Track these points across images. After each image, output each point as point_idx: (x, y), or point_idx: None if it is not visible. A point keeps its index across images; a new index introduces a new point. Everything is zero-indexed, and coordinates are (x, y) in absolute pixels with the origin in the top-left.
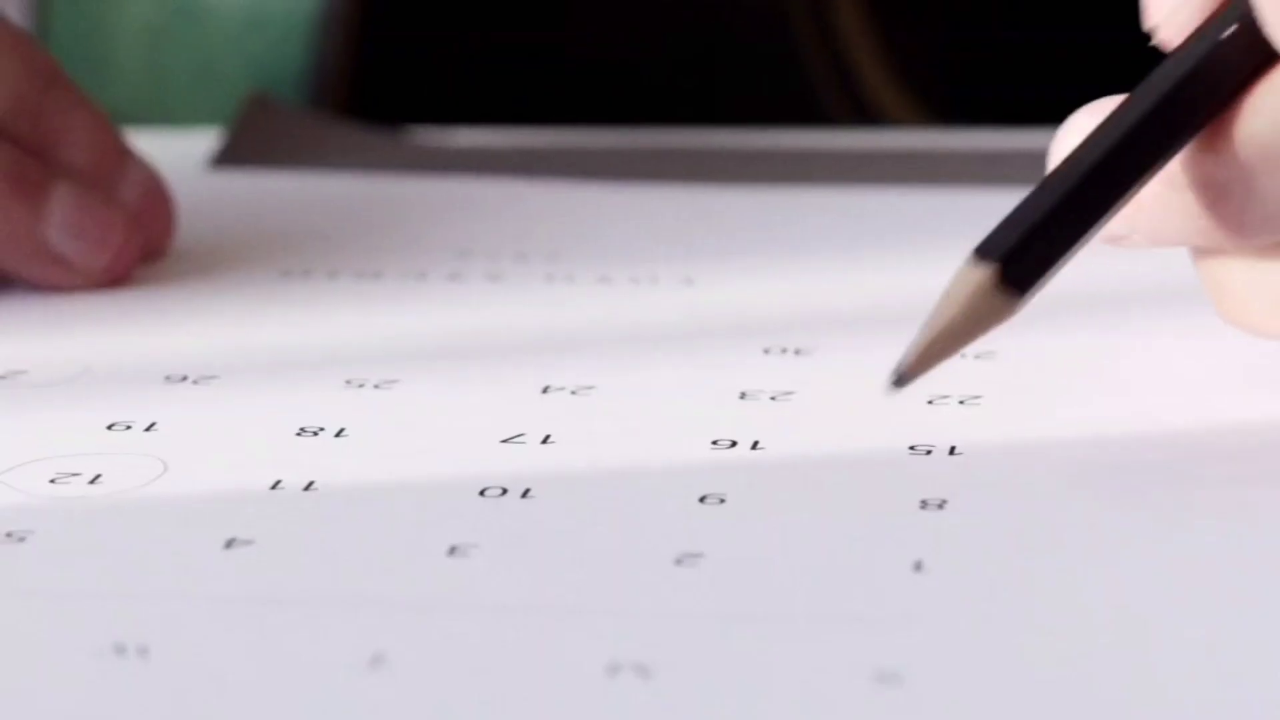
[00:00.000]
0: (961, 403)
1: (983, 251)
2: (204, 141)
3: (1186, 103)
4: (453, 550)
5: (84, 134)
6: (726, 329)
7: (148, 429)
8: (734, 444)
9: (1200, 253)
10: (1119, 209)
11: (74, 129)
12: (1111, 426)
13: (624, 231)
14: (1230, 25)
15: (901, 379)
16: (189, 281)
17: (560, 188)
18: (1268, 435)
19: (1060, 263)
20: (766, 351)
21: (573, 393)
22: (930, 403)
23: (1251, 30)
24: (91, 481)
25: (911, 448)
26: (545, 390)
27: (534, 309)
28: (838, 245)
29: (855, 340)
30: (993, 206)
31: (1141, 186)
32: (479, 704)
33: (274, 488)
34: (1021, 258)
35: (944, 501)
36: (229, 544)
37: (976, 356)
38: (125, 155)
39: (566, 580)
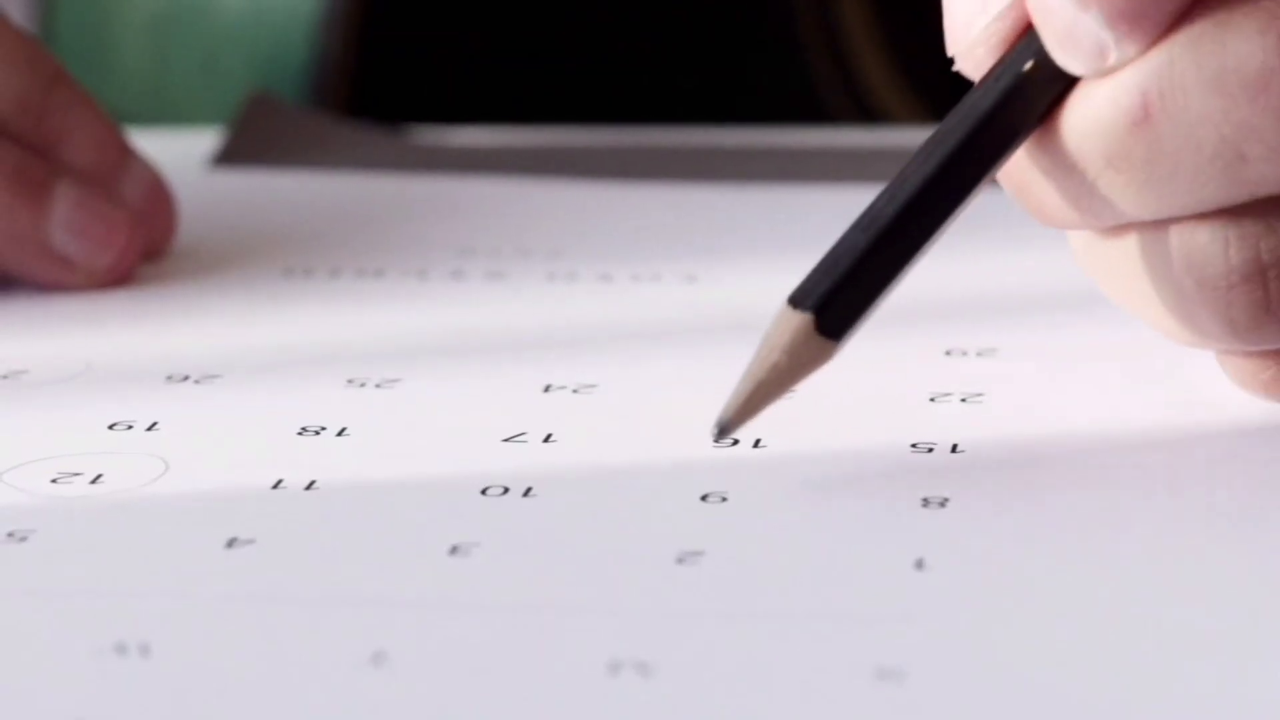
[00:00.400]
0: (964, 400)
1: (796, 300)
2: (205, 141)
3: (993, 135)
4: (454, 549)
5: (86, 133)
6: (729, 327)
7: (149, 428)
8: (735, 442)
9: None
10: (929, 248)
11: (76, 128)
12: (1114, 424)
13: (626, 229)
14: (1027, 59)
15: (724, 429)
16: (191, 281)
17: (562, 186)
18: (1274, 435)
19: (874, 305)
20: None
21: (574, 391)
22: (932, 400)
23: (1048, 62)
24: (93, 481)
25: (913, 445)
26: (547, 389)
27: (536, 307)
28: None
29: (855, 337)
30: (993, 204)
31: (949, 224)
32: (480, 703)
33: (275, 487)
34: (835, 305)
35: (945, 500)
36: (230, 543)
37: (979, 354)
38: (127, 154)
39: (568, 579)
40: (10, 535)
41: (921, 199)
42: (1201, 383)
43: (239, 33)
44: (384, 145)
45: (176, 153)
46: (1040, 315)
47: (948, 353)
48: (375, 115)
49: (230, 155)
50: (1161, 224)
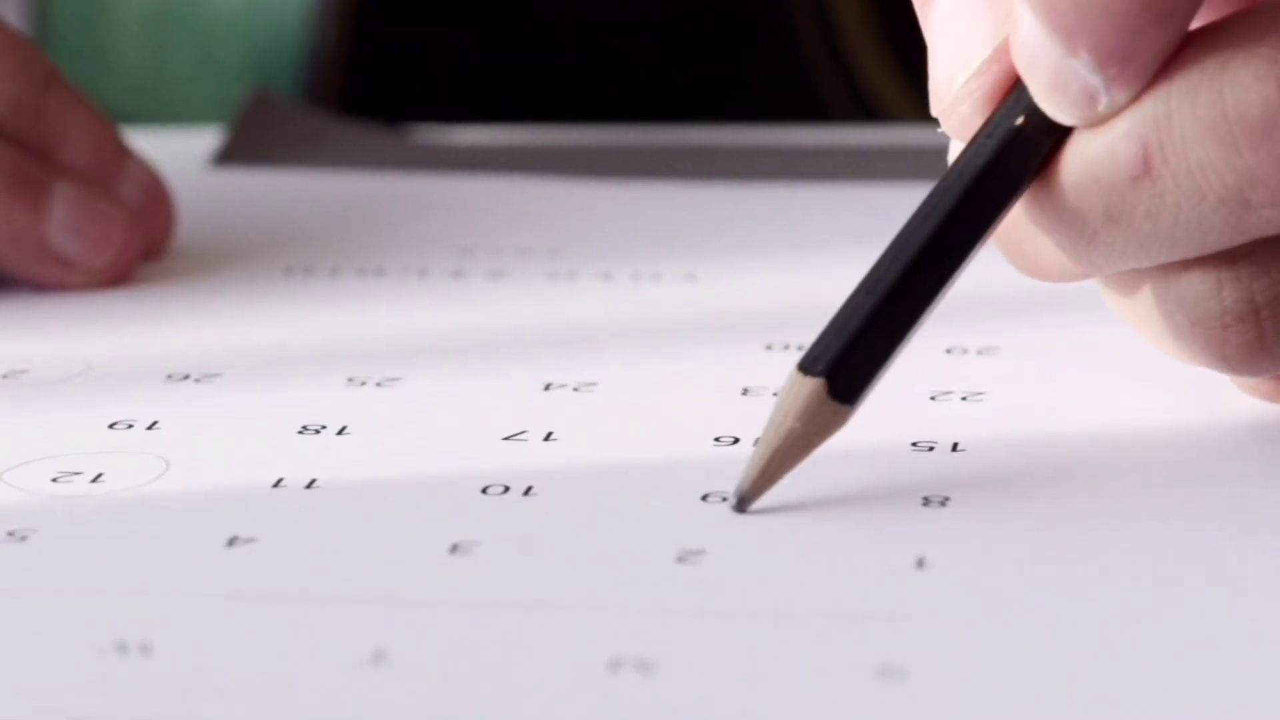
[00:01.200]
0: (964, 399)
1: (807, 366)
2: (206, 140)
3: (989, 193)
4: (455, 548)
5: (83, 134)
6: (729, 325)
7: (149, 427)
8: (736, 441)
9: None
10: (937, 305)
11: (73, 129)
12: (1115, 423)
13: (626, 228)
14: (1018, 114)
15: (743, 501)
16: (191, 280)
17: (562, 185)
18: (1275, 434)
19: (884, 367)
20: (769, 348)
21: (575, 390)
22: (933, 399)
23: (1039, 115)
24: (93, 480)
25: (914, 444)
26: (547, 387)
27: (536, 306)
28: (840, 241)
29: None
30: None
31: (953, 283)
32: (480, 701)
33: (276, 486)
34: (845, 369)
35: (946, 499)
36: (231, 542)
37: (979, 352)
38: (125, 154)
39: (568, 577)
40: (10, 534)
41: (924, 259)
42: (1203, 382)
43: (234, 27)
44: (384, 144)
45: (176, 152)
46: (1041, 314)
47: (948, 351)
48: (370, 109)
49: (230, 154)
50: (1156, 270)
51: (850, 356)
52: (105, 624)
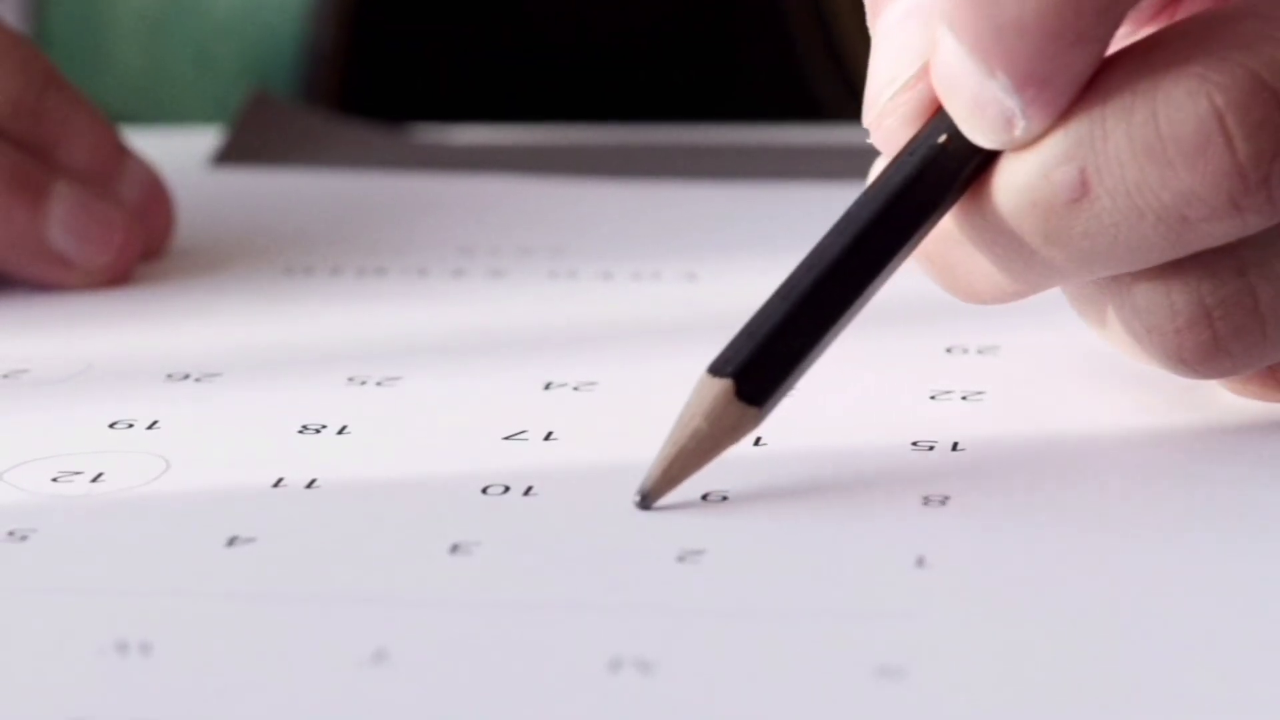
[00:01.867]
0: (964, 398)
1: (716, 368)
2: (206, 140)
3: (908, 209)
4: (455, 548)
5: (82, 135)
6: (729, 325)
7: (150, 427)
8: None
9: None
10: (851, 317)
11: (72, 129)
12: (1115, 422)
13: (626, 227)
14: (941, 132)
15: (646, 499)
16: (191, 279)
17: (562, 184)
18: (1275, 434)
19: (796, 373)
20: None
21: (575, 389)
22: (933, 398)
23: (962, 135)
24: (93, 480)
25: (914, 444)
26: (547, 387)
27: (536, 305)
28: None
29: (856, 335)
30: None
31: (871, 294)
32: (481, 701)
33: (276, 485)
34: (754, 371)
35: (946, 498)
36: (231, 542)
37: (979, 351)
38: (124, 154)
39: (568, 577)
40: (11, 534)
41: (837, 270)
42: (1201, 381)
43: (231, 27)
44: (384, 144)
45: (176, 152)
46: (1041, 313)
47: (948, 350)
48: (367, 108)
49: (230, 154)
50: (1103, 282)
51: (759, 359)
52: (105, 624)
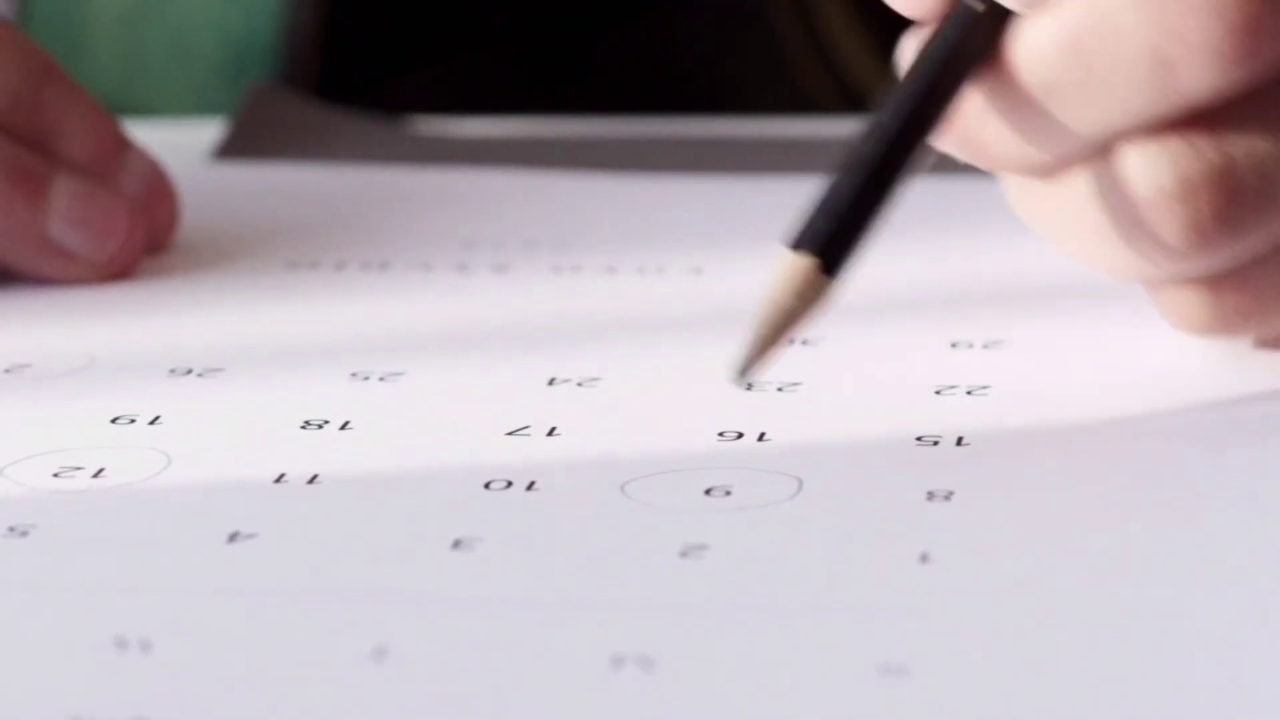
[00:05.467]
0: (969, 393)
1: (799, 244)
2: (207, 133)
3: (951, 75)
4: (457, 543)
5: (83, 126)
6: (734, 319)
7: (152, 422)
8: (740, 435)
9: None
10: (907, 184)
11: (72, 122)
12: (1121, 417)
13: (631, 221)
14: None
15: (742, 373)
16: (193, 274)
17: (566, 178)
18: None
19: (865, 241)
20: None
21: (579, 384)
22: (938, 393)
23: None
24: (95, 475)
25: (919, 438)
26: (551, 382)
27: (541, 300)
28: None
29: (861, 330)
30: (994, 194)
31: (919, 160)
32: (482, 697)
33: (278, 481)
34: (835, 245)
35: (951, 493)
36: (232, 537)
37: (985, 346)
38: (126, 146)
39: (571, 573)
40: (11, 530)
41: (897, 140)
42: (1207, 375)
43: (209, 18)
44: (387, 137)
45: (179, 145)
46: (1047, 307)
47: (954, 345)
48: (345, 98)
49: (232, 148)
50: (1095, 158)
51: (839, 233)
52: (105, 620)
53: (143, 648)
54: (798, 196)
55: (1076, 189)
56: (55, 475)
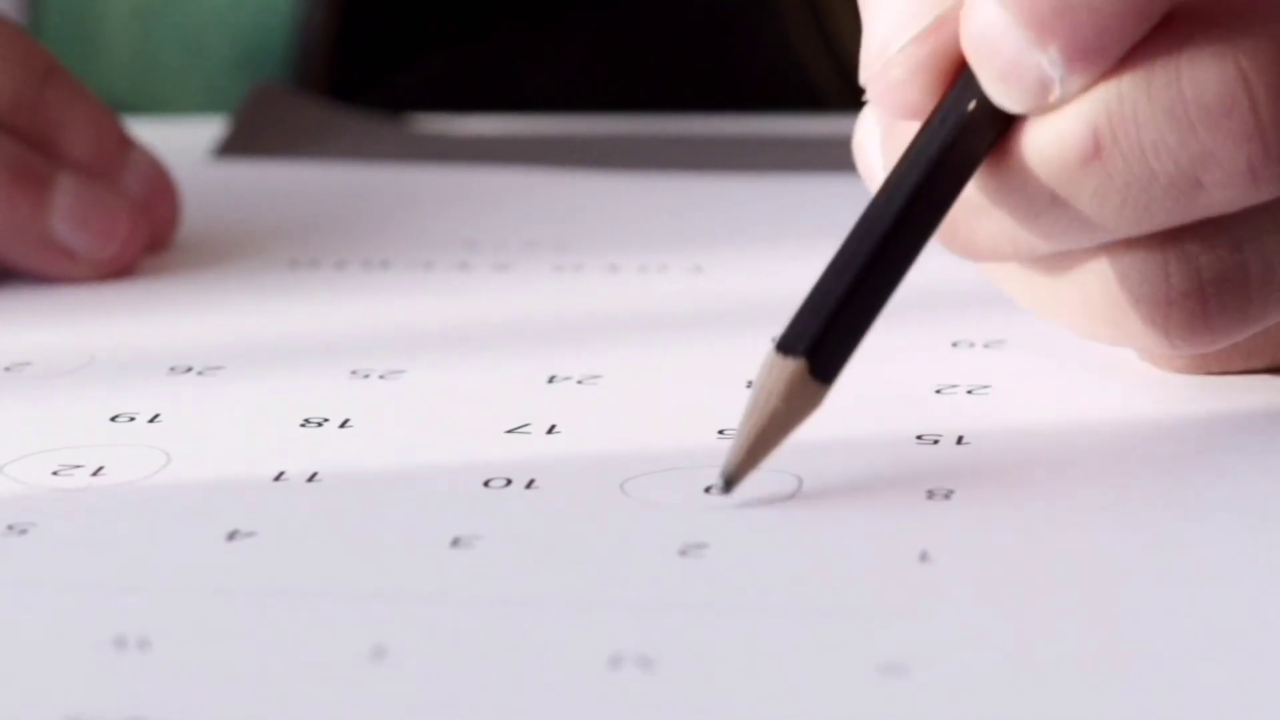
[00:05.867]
0: (970, 392)
1: (786, 347)
2: (208, 131)
3: (946, 175)
4: (456, 541)
5: (85, 125)
6: (735, 318)
7: (151, 420)
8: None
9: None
10: (899, 287)
11: (74, 121)
12: (1121, 416)
13: (632, 220)
14: (970, 99)
15: (730, 482)
16: (194, 272)
17: (568, 177)
18: None
19: (858, 345)
20: (774, 340)
21: (579, 382)
22: (939, 392)
23: (986, 100)
24: (94, 473)
25: (919, 437)
26: (551, 380)
27: (542, 298)
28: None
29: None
30: None
31: (918, 255)
32: (481, 697)
33: (277, 479)
34: (824, 348)
35: (950, 492)
36: (231, 536)
37: (985, 345)
38: (127, 145)
39: (570, 572)
40: (10, 528)
41: (889, 240)
42: (1208, 377)
43: (222, 16)
44: (388, 135)
45: (178, 143)
46: None
47: (954, 344)
48: (358, 96)
49: (232, 145)
50: (1099, 251)
51: (828, 336)
52: (104, 619)
53: (141, 647)
54: (799, 194)
55: (1076, 279)
56: (54, 473)
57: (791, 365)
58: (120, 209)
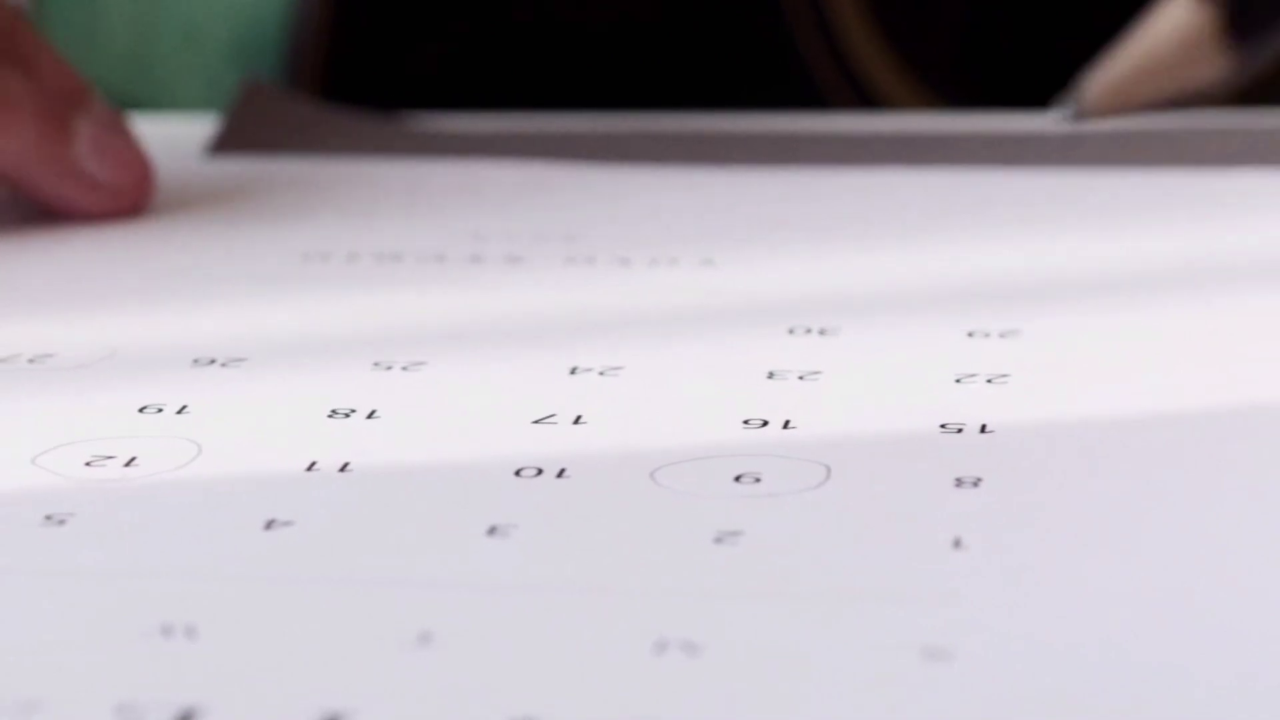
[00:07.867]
0: (989, 381)
1: None
2: (202, 128)
3: None
4: (492, 530)
5: (54, 71)
6: (749, 310)
7: (179, 411)
8: (765, 424)
9: None
10: None
11: (44, 65)
12: (1141, 405)
13: (642, 213)
14: None
15: (1084, 111)
16: (205, 265)
17: (572, 170)
18: None
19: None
20: (791, 332)
21: (601, 374)
22: (958, 381)
23: None
24: (127, 464)
25: (942, 426)
26: (573, 371)
27: (555, 290)
28: (857, 226)
29: (879, 320)
30: (1016, 186)
31: None
32: (529, 682)
33: (309, 469)
34: (1245, 6)
35: (979, 479)
36: (269, 525)
37: (1001, 336)
38: (89, 93)
39: (609, 559)
40: (49, 519)
41: None
42: (1231, 363)
43: (219, 4)
44: (389, 133)
45: (180, 140)
46: (1061, 298)
47: (970, 335)
48: (355, 91)
49: (225, 143)
50: None
51: None
52: (150, 607)
53: (189, 634)
54: (808, 188)
55: None
56: (87, 464)
57: (1204, 10)
58: (132, 143)
